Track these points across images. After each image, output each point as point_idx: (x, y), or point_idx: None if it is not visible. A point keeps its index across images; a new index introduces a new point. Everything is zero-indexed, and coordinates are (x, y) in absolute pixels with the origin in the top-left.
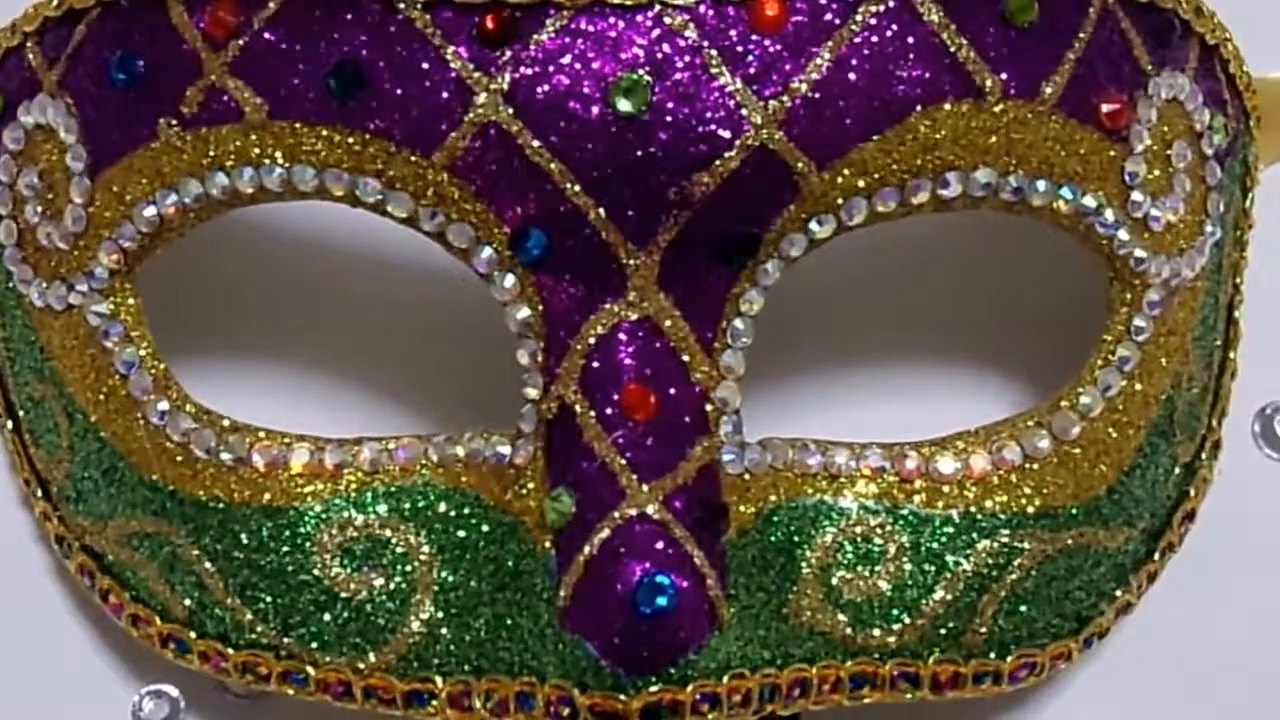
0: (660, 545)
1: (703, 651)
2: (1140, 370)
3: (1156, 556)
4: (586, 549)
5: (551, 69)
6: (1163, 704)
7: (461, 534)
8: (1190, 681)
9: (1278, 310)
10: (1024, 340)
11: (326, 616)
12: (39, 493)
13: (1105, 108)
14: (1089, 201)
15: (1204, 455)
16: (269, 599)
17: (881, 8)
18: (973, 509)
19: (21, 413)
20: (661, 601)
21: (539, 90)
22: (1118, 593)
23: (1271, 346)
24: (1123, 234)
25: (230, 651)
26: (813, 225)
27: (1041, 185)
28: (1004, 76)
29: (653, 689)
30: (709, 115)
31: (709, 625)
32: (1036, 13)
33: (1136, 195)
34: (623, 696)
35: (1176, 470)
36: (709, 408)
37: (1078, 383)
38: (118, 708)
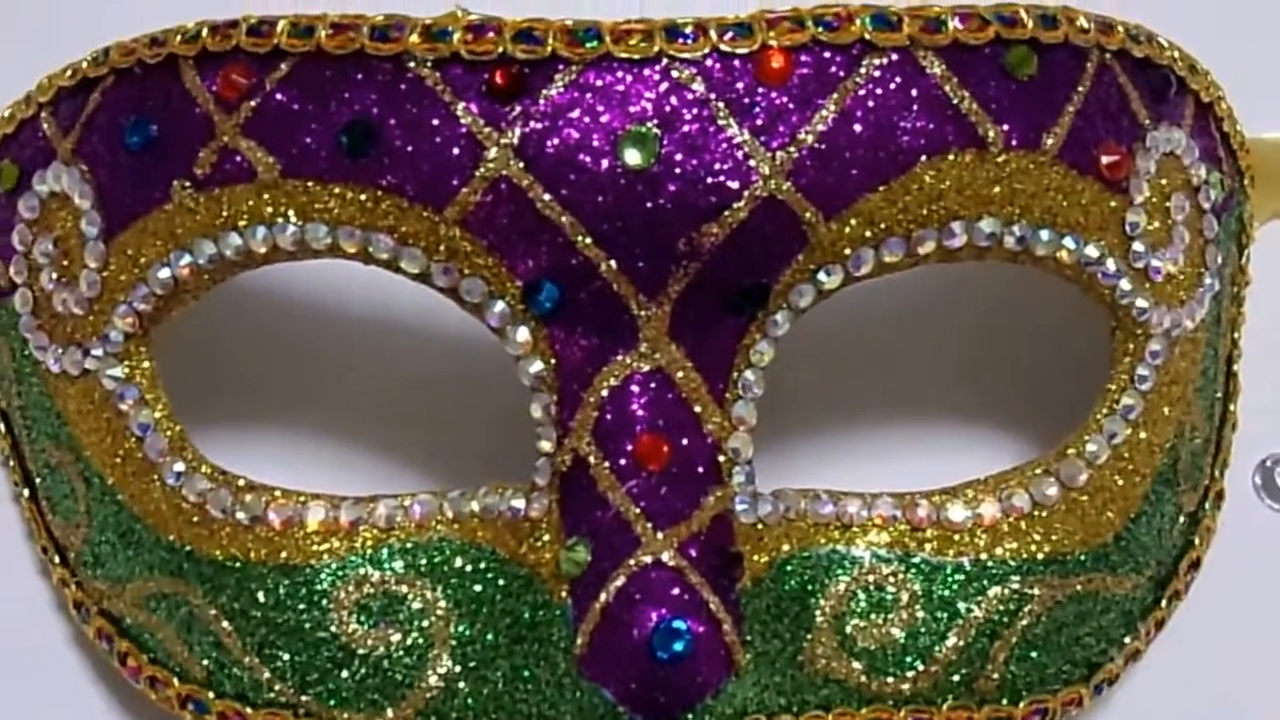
0: (676, 591)
1: (719, 697)
2: (1144, 419)
3: (1164, 604)
4: (603, 596)
5: (561, 123)
6: None
7: (478, 588)
8: None
9: (1276, 364)
10: (1031, 391)
11: (344, 673)
12: (56, 560)
13: (1105, 159)
14: (1091, 251)
15: (1207, 505)
16: (287, 657)
17: (885, 60)
18: (983, 556)
19: (39, 480)
20: (678, 647)
21: (549, 144)
22: (1127, 639)
23: (1270, 399)
24: (1125, 284)
25: (249, 711)
26: (821, 276)
27: (1045, 235)
28: (1006, 127)
29: None
30: (717, 166)
31: (725, 670)
32: (1036, 66)
33: (1137, 246)
34: None
35: (1181, 519)
36: (721, 458)
37: (1084, 431)
38: None
